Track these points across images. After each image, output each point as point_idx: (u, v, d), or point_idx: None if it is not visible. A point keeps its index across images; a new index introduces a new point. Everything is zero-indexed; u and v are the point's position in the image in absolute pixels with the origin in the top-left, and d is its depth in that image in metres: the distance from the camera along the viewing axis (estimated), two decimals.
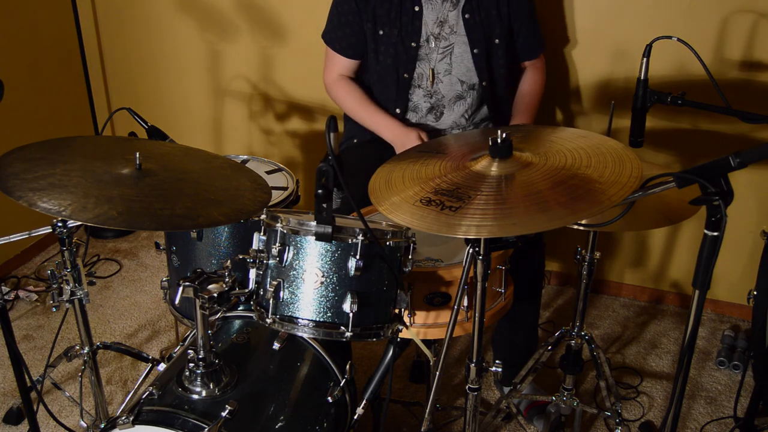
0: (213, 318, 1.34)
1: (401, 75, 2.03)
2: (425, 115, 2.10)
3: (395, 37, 2.00)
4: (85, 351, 1.82)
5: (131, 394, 2.15)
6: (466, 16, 2.00)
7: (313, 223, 1.27)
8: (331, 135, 1.19)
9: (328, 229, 1.26)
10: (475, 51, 2.02)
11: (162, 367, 1.66)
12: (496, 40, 2.04)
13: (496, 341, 2.20)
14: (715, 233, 1.12)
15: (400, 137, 2.01)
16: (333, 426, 1.52)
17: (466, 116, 2.11)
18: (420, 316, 1.53)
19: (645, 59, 1.60)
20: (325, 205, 1.23)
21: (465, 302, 1.51)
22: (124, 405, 2.12)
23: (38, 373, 2.19)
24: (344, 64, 2.14)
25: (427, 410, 1.56)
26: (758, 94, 2.32)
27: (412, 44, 2.00)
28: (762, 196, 2.45)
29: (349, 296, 1.30)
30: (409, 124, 2.11)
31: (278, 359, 1.53)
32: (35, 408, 1.65)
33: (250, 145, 3.07)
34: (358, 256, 1.29)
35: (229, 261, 1.37)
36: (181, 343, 1.79)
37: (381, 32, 2.01)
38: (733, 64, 2.30)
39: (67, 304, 1.70)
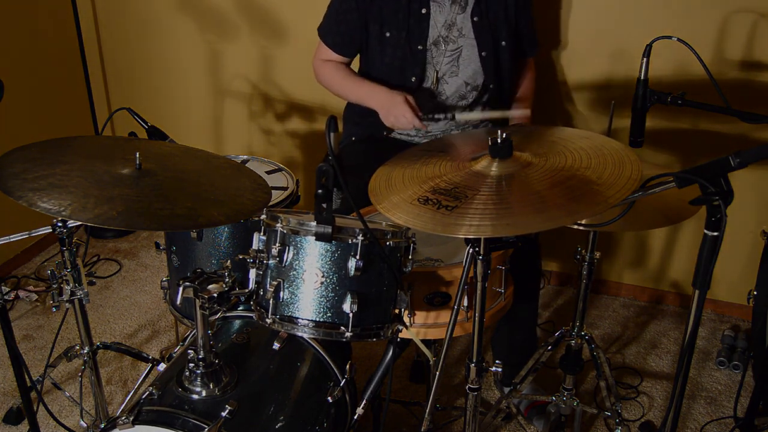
0: (213, 318, 1.34)
1: (408, 78, 2.02)
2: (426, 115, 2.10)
3: (402, 40, 1.99)
4: (85, 351, 1.82)
5: (131, 394, 2.15)
6: (475, 19, 1.99)
7: (313, 223, 1.27)
8: (331, 135, 1.19)
9: (328, 229, 1.26)
10: (483, 54, 2.02)
11: (162, 367, 1.66)
12: (503, 42, 2.04)
13: (496, 341, 2.20)
14: (715, 233, 1.12)
15: (385, 103, 1.95)
16: (333, 426, 1.52)
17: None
18: (420, 316, 1.53)
19: (645, 59, 1.60)
20: (325, 205, 1.23)
21: (465, 302, 1.51)
22: (124, 405, 2.12)
23: (38, 373, 2.19)
24: (334, 58, 2.12)
25: (427, 410, 1.56)
26: (758, 94, 2.32)
27: (419, 47, 1.99)
28: (762, 196, 2.45)
29: (349, 296, 1.30)
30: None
31: (278, 359, 1.53)
32: (35, 408, 1.65)
33: (250, 145, 3.07)
34: (358, 257, 1.29)
35: (229, 261, 1.37)
36: (181, 343, 1.79)
37: (388, 34, 2.00)
38: (733, 64, 2.30)
39: (67, 304, 1.70)
